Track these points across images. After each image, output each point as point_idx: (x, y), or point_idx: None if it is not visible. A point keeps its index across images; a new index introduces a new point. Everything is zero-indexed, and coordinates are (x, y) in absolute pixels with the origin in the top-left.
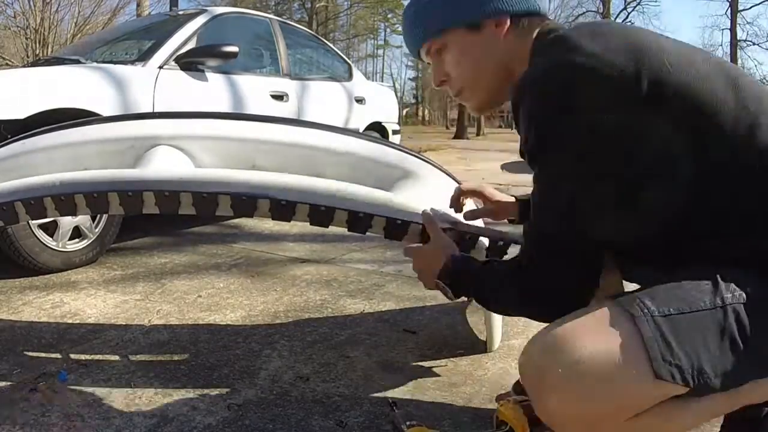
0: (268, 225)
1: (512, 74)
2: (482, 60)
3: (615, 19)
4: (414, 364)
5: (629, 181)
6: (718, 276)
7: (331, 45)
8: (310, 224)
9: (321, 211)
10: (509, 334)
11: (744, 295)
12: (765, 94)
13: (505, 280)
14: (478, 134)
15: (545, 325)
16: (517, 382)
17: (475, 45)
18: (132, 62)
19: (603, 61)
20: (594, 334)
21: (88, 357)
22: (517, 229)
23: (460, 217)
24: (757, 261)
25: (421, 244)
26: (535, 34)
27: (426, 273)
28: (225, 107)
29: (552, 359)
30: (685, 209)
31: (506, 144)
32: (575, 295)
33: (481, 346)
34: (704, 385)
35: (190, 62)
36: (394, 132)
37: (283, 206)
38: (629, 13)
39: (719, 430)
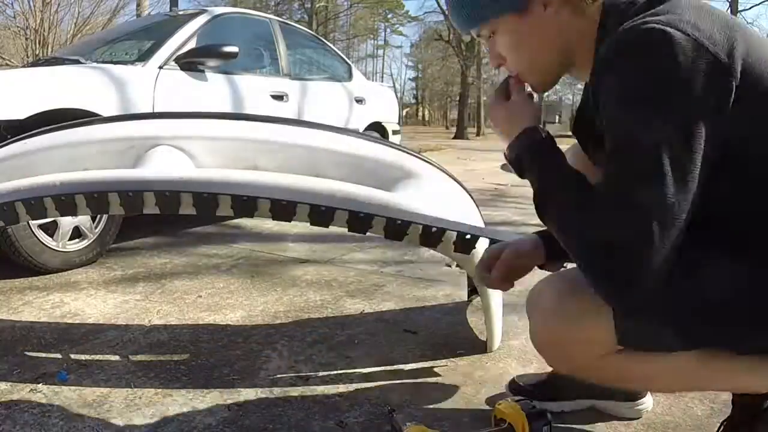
0: (268, 225)
1: (573, 53)
2: (535, 44)
3: None
4: (414, 364)
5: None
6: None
7: (331, 45)
8: (311, 224)
9: (321, 212)
10: (509, 335)
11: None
12: None
13: (582, 190)
14: (478, 134)
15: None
16: (512, 380)
17: (525, 29)
18: (132, 62)
19: (704, 34)
20: (576, 283)
21: (88, 357)
22: None
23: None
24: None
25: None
26: (600, 7)
27: (507, 124)
28: (225, 107)
29: (542, 293)
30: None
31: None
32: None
33: (481, 347)
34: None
35: (190, 62)
36: (394, 132)
37: (283, 206)
38: None
39: (726, 421)
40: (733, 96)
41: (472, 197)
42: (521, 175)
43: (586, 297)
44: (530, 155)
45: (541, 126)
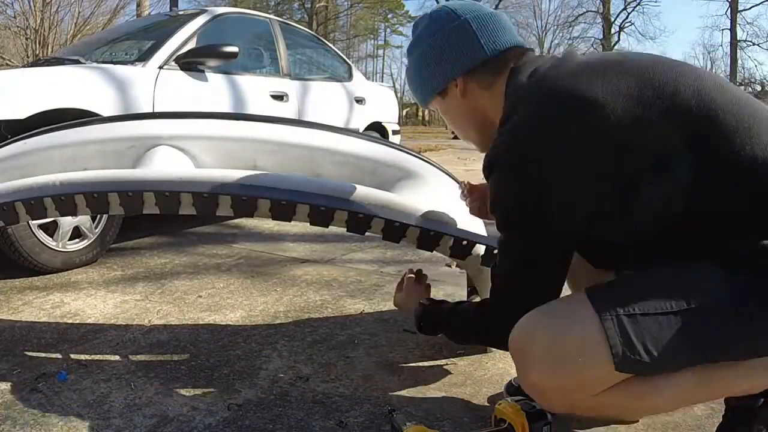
0: (268, 225)
1: (491, 122)
2: (458, 118)
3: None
4: (414, 364)
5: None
6: (692, 277)
7: (331, 45)
8: (310, 224)
9: (321, 212)
10: None
11: (717, 295)
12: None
13: (472, 315)
14: None
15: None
16: (510, 383)
17: (448, 107)
18: (132, 62)
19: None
20: (567, 324)
21: (88, 357)
22: None
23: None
24: (741, 259)
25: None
26: (502, 79)
27: (404, 306)
28: (225, 107)
29: (532, 339)
30: (679, 211)
31: None
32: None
33: (481, 347)
34: (662, 369)
35: (190, 62)
36: (394, 132)
37: (283, 206)
38: (629, 14)
39: (721, 421)
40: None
41: None
42: (433, 334)
43: (578, 334)
44: (424, 322)
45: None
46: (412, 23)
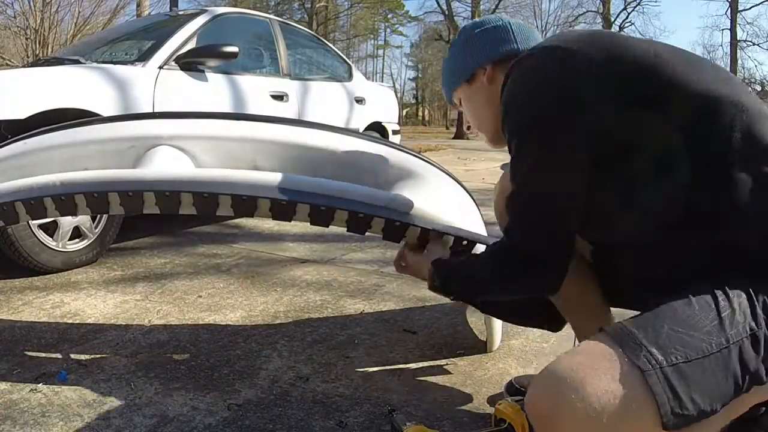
0: (268, 225)
1: None
2: (480, 105)
3: (615, 19)
4: (414, 364)
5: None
6: (721, 306)
7: (331, 45)
8: (311, 224)
9: (321, 211)
10: (509, 335)
11: (749, 324)
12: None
13: (487, 259)
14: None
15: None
16: (510, 383)
17: (473, 94)
18: (132, 62)
19: (580, 57)
20: (603, 383)
21: (88, 357)
22: None
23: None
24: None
25: (407, 253)
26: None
27: (419, 274)
28: (225, 107)
29: (562, 405)
30: (682, 208)
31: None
32: (550, 266)
33: (481, 347)
34: (706, 417)
35: (190, 62)
36: (394, 132)
37: (283, 206)
38: (629, 14)
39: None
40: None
41: (472, 197)
42: (448, 291)
43: (619, 395)
44: (445, 284)
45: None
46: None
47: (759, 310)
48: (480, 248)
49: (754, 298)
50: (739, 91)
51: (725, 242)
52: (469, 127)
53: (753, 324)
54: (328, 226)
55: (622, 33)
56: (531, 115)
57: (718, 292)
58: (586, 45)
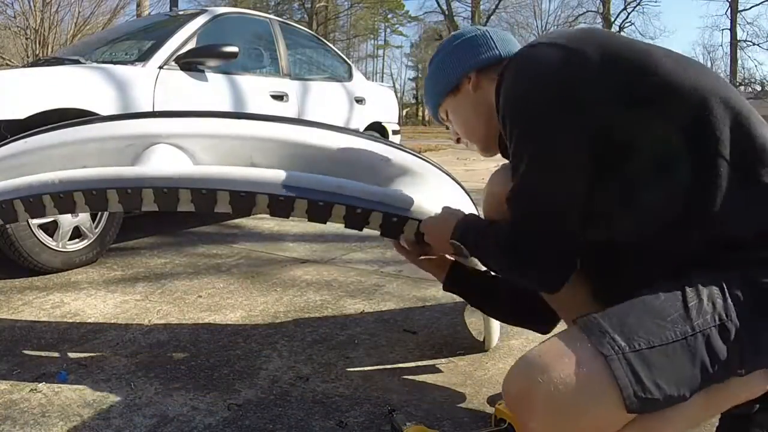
0: (268, 225)
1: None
2: (468, 113)
3: (615, 19)
4: (414, 364)
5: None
6: (688, 297)
7: (331, 45)
8: (308, 220)
9: (319, 207)
10: (509, 334)
11: (718, 313)
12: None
13: (497, 241)
14: None
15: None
16: None
17: (459, 104)
18: (132, 62)
19: (572, 51)
20: (568, 367)
21: (88, 357)
22: None
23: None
24: (737, 261)
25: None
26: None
27: (439, 235)
28: (225, 107)
29: (531, 388)
30: (677, 209)
31: None
32: (554, 259)
33: (481, 346)
34: (674, 402)
35: (190, 62)
36: (394, 132)
37: (281, 202)
38: (629, 13)
39: (717, 426)
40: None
41: (470, 197)
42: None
43: (582, 379)
44: (464, 238)
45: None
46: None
47: (730, 301)
48: None
49: (726, 289)
50: (729, 92)
51: (721, 241)
52: (458, 140)
53: (723, 314)
54: (325, 222)
55: (611, 31)
56: (530, 115)
57: (688, 286)
58: (582, 43)
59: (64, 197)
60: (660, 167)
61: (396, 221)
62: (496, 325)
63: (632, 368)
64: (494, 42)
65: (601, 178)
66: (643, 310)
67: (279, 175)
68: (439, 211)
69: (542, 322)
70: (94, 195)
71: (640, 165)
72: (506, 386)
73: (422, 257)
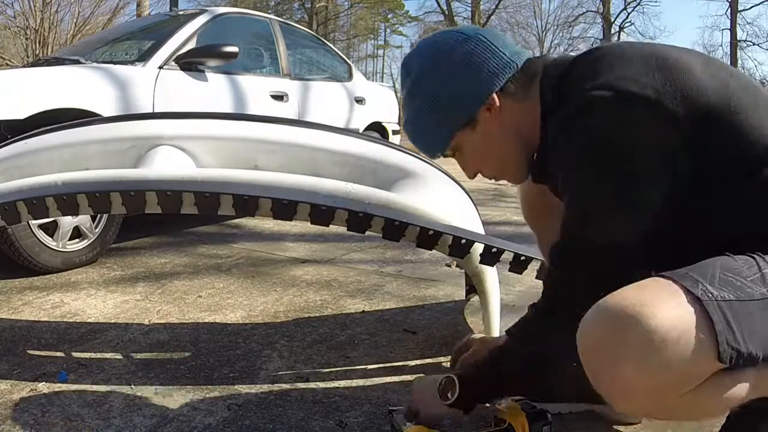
0: (268, 225)
1: (529, 135)
2: (496, 146)
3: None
4: (414, 364)
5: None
6: (761, 264)
7: (331, 45)
8: (311, 223)
9: (322, 211)
10: None
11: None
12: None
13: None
14: None
15: None
16: None
17: (482, 137)
18: (132, 62)
19: (637, 82)
20: (666, 309)
21: (88, 357)
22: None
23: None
24: None
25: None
26: (536, 86)
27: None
28: (225, 107)
29: (626, 330)
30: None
31: None
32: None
33: None
34: (752, 363)
35: (190, 62)
36: (394, 132)
37: (284, 205)
38: (629, 14)
39: (724, 422)
40: (680, 132)
41: (470, 197)
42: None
43: (681, 321)
44: (474, 401)
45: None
46: (401, 63)
47: None
48: (478, 247)
49: None
50: (738, 90)
51: (725, 242)
52: (476, 174)
53: None
54: (328, 226)
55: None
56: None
57: (756, 255)
58: (662, 94)
59: (67, 199)
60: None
61: (398, 225)
62: (496, 325)
63: (725, 316)
64: (501, 50)
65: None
66: (724, 268)
67: (282, 178)
68: (439, 213)
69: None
70: (97, 197)
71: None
72: (585, 333)
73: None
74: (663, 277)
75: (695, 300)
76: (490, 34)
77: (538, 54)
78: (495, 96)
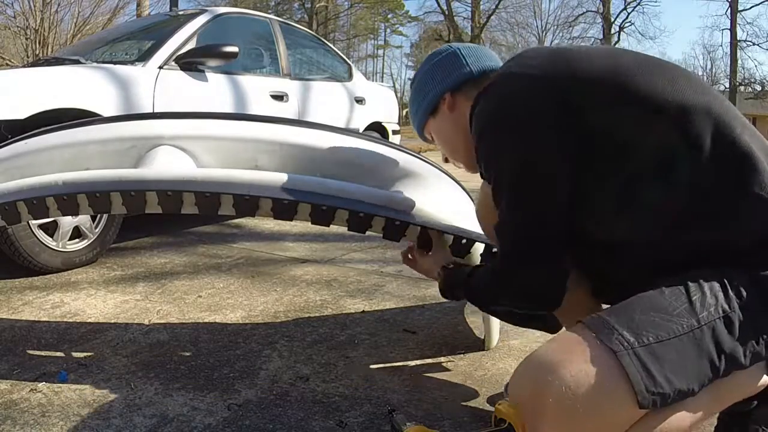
0: (269, 225)
1: None
2: (448, 134)
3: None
4: (414, 364)
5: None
6: (691, 291)
7: (331, 45)
8: (312, 223)
9: (322, 211)
10: (509, 334)
11: (721, 306)
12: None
13: (488, 279)
14: None
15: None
16: (509, 384)
17: (439, 126)
18: (132, 62)
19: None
20: (577, 365)
21: (88, 357)
22: None
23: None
24: (739, 257)
25: (417, 255)
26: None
27: (425, 274)
28: (225, 107)
29: (542, 389)
30: (677, 208)
31: None
32: (548, 285)
33: (481, 346)
34: (684, 397)
35: (190, 62)
36: (394, 132)
37: (285, 205)
38: (629, 14)
39: (716, 424)
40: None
41: (470, 197)
42: (452, 297)
43: (594, 377)
44: (446, 284)
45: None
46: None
47: (732, 294)
48: (479, 247)
49: (727, 284)
50: (711, 98)
51: (720, 242)
52: (446, 159)
53: (726, 306)
54: (329, 226)
55: (579, 47)
56: (505, 136)
57: (690, 281)
58: (547, 66)
59: (67, 199)
60: (657, 168)
61: (398, 225)
62: (496, 324)
63: (642, 363)
64: (465, 59)
65: (600, 179)
66: (648, 306)
67: (282, 178)
68: (440, 214)
69: (549, 320)
70: (97, 197)
71: (636, 165)
72: (514, 389)
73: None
74: (582, 327)
75: (609, 352)
76: (467, 47)
77: None
78: (448, 94)
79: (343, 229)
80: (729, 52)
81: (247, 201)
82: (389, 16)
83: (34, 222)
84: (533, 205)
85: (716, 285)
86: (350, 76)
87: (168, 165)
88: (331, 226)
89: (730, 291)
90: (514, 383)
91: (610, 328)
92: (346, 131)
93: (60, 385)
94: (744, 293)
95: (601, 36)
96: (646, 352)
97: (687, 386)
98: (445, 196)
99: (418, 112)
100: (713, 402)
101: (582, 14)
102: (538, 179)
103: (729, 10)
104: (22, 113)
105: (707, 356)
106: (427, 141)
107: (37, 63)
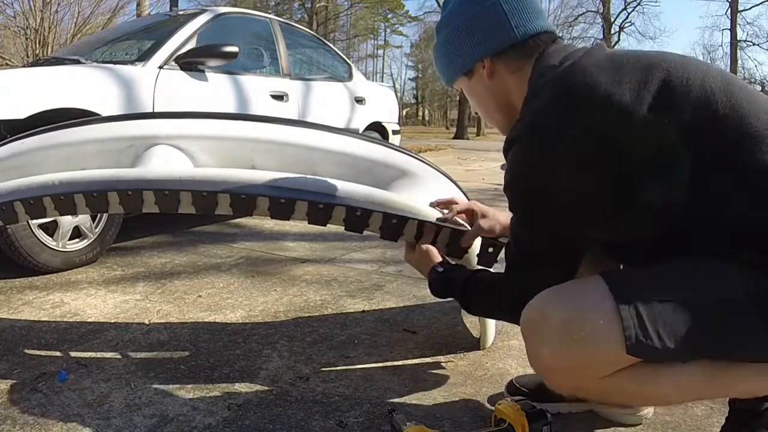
0: (268, 225)
1: (516, 103)
2: (483, 98)
3: (615, 19)
4: (414, 364)
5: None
6: (703, 268)
7: (331, 45)
8: (309, 222)
9: (319, 210)
10: (509, 335)
11: (730, 288)
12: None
13: (493, 287)
14: (478, 134)
15: None
16: (510, 383)
17: (474, 86)
18: (132, 62)
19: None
20: (582, 305)
21: (88, 357)
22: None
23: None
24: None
25: (412, 246)
26: (529, 65)
27: (418, 267)
28: (225, 107)
29: (546, 317)
30: (682, 209)
31: None
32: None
33: (478, 347)
34: (672, 359)
35: (190, 62)
36: (394, 132)
37: (282, 204)
38: (629, 14)
39: (724, 422)
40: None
41: (467, 197)
42: (442, 297)
43: (592, 316)
44: (439, 284)
45: (441, 261)
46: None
47: (740, 280)
48: (476, 247)
49: (740, 270)
50: (733, 90)
51: (722, 241)
52: (476, 113)
53: (735, 290)
54: (326, 225)
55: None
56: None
57: (702, 263)
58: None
59: (64, 199)
60: (661, 168)
61: (395, 223)
62: (491, 324)
63: (638, 313)
64: (510, 20)
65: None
66: (663, 271)
67: (279, 177)
68: (437, 213)
69: None
70: (94, 197)
71: (640, 165)
72: (524, 315)
73: None
74: (598, 276)
75: (612, 300)
76: (512, 3)
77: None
78: (488, 59)
79: (343, 229)
80: (729, 53)
81: (244, 200)
82: (389, 16)
83: (34, 222)
84: (548, 222)
85: (732, 266)
86: (350, 76)
87: (165, 164)
88: (330, 226)
89: (747, 278)
90: (525, 311)
91: (619, 281)
92: (344, 131)
93: (60, 385)
94: (756, 282)
95: (601, 36)
96: (644, 305)
97: (677, 349)
98: (442, 196)
99: (449, 67)
100: (706, 382)
101: (582, 14)
102: (556, 208)
103: (729, 10)
104: (22, 113)
105: (707, 329)
106: (452, 87)
107: (36, 63)
